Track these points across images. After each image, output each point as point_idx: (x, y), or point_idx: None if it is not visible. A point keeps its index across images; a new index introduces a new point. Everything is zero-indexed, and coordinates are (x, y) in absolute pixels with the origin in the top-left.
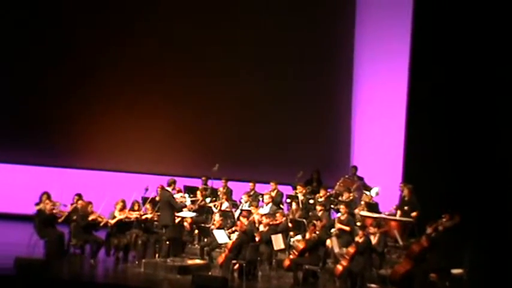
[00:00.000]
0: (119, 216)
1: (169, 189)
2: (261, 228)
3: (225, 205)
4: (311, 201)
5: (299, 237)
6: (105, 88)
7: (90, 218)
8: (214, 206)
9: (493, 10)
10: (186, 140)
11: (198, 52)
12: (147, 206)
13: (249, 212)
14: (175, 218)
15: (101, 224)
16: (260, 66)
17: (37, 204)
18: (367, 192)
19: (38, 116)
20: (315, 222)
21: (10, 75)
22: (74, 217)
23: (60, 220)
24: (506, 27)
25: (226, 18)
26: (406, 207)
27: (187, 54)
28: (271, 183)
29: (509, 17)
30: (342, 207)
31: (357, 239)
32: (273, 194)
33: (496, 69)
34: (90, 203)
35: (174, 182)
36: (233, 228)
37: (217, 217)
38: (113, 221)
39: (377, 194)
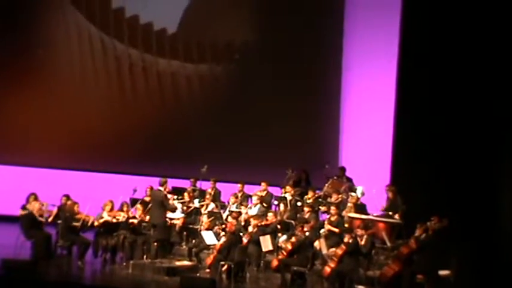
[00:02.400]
0: (107, 217)
1: (161, 189)
2: (250, 229)
3: (211, 206)
4: (299, 204)
5: (285, 236)
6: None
7: (77, 217)
8: (201, 207)
9: (481, 9)
10: (174, 141)
11: (186, 56)
12: (138, 206)
13: (239, 213)
14: (166, 218)
15: (88, 224)
16: (248, 68)
17: (24, 205)
18: (353, 193)
19: (26, 116)
20: (302, 225)
21: None
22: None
23: (50, 220)
24: (494, 25)
25: (214, 18)
26: (390, 211)
27: (175, 56)
28: (263, 184)
29: (497, 15)
30: (332, 209)
31: (344, 240)
32: (263, 194)
33: (485, 69)
34: (76, 203)
35: (166, 182)
36: (222, 226)
37: (205, 218)
38: (100, 221)
39: (363, 194)
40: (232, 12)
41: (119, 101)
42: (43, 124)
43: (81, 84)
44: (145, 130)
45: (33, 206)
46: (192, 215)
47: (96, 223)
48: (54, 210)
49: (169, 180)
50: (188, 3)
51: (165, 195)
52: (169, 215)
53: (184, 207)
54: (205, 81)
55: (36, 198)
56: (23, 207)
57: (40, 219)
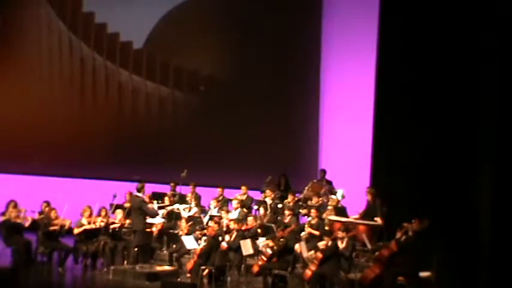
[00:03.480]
0: (86, 223)
1: (139, 194)
2: (227, 238)
3: (194, 210)
4: (279, 206)
5: (264, 239)
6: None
7: (54, 222)
8: (184, 210)
9: (461, 6)
10: (153, 145)
11: (148, 74)
12: (119, 211)
13: (220, 217)
14: (146, 224)
15: (66, 227)
16: (227, 71)
17: (3, 212)
18: (333, 196)
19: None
20: (283, 228)
21: None
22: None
23: (26, 225)
24: (475, 22)
25: (194, 20)
26: (369, 214)
27: (138, 72)
28: (243, 188)
29: (477, 14)
30: (312, 212)
31: (323, 244)
32: (243, 198)
33: (466, 68)
34: (53, 209)
35: (143, 187)
36: (204, 231)
37: (184, 223)
38: (79, 230)
39: (343, 196)
40: (201, 42)
41: (81, 103)
42: (19, 130)
43: (48, 82)
44: (123, 135)
45: (10, 214)
46: (172, 219)
47: (75, 231)
48: (34, 216)
49: (149, 185)
50: (157, 22)
51: (143, 201)
52: (150, 220)
53: (164, 212)
54: (167, 102)
55: (15, 206)
56: (3, 214)
57: (18, 220)
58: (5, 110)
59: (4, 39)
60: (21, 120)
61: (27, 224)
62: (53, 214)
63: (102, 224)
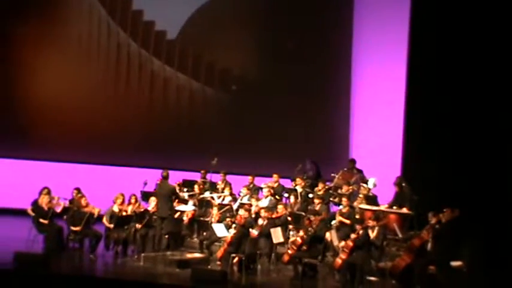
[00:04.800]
0: (117, 210)
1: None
2: (260, 222)
3: (228, 199)
4: (310, 195)
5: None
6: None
7: (83, 210)
8: (219, 197)
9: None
10: (184, 133)
11: (180, 66)
12: (153, 199)
13: (250, 205)
14: (175, 211)
15: (95, 216)
16: (258, 61)
17: (36, 200)
18: (365, 185)
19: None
20: (310, 217)
21: None
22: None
23: (58, 211)
24: (504, 13)
25: (226, 17)
26: (396, 204)
27: (170, 62)
28: (274, 176)
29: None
30: (343, 200)
31: (355, 233)
32: (274, 186)
33: (498, 57)
34: (83, 196)
35: (168, 174)
36: (232, 219)
37: (215, 211)
38: (110, 225)
39: (374, 185)
40: (232, 39)
41: (115, 90)
42: (52, 116)
43: (86, 68)
44: (154, 123)
45: (42, 200)
46: (203, 207)
47: (106, 223)
48: (66, 204)
49: (178, 172)
50: (191, 15)
51: (175, 188)
52: (181, 207)
53: (195, 200)
54: (198, 96)
55: (48, 192)
56: (34, 203)
57: (42, 221)
58: (41, 96)
59: (46, 23)
60: (56, 106)
61: (58, 210)
62: (83, 201)
63: (132, 212)
